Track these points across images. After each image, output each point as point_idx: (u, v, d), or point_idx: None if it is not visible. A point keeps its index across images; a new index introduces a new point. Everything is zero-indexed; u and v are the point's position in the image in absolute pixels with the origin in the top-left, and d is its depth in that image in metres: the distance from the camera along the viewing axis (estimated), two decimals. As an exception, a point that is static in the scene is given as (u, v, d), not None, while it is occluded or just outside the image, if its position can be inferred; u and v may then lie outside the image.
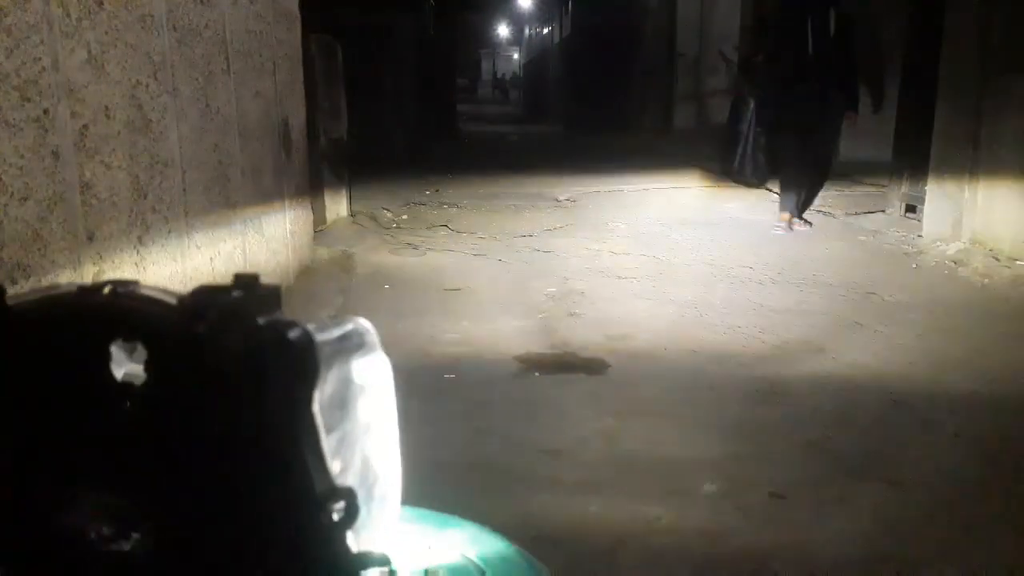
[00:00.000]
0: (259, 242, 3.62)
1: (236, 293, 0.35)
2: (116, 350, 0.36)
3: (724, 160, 6.36)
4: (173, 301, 0.36)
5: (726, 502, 2.10)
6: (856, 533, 1.96)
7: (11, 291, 0.39)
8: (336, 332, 0.35)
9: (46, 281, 1.89)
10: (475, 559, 0.65)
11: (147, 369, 0.35)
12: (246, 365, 0.33)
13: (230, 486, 0.34)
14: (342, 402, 0.34)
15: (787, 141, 5.73)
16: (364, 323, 0.35)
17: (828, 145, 5.93)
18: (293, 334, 0.34)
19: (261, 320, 0.34)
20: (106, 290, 0.37)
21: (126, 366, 0.37)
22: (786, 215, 5.70)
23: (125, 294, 0.36)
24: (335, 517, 0.33)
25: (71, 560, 0.35)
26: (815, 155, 5.70)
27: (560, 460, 2.32)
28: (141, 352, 0.36)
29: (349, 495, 0.34)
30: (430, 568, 0.60)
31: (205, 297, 0.35)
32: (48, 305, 0.38)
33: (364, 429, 0.35)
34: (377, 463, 0.35)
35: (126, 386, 0.36)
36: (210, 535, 0.34)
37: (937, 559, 1.86)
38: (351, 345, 0.35)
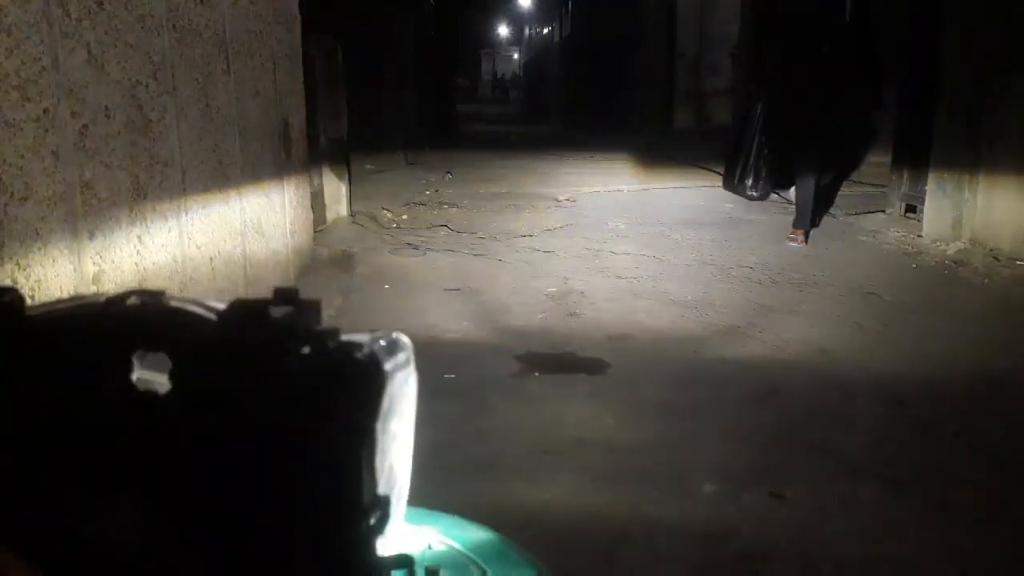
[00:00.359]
0: (259, 242, 3.62)
1: (280, 308, 0.34)
2: (142, 360, 0.36)
3: (726, 173, 6.25)
4: (211, 314, 0.35)
5: (726, 502, 2.10)
6: (855, 532, 1.96)
7: (19, 294, 0.39)
8: (384, 347, 0.35)
9: (46, 280, 1.89)
10: (475, 558, 0.65)
11: (172, 379, 0.35)
12: (315, 383, 0.33)
13: (278, 495, 0.34)
14: (384, 415, 0.35)
15: (801, 154, 5.48)
16: (404, 339, 0.35)
17: (837, 154, 5.81)
18: (362, 355, 0.34)
19: (332, 341, 0.34)
20: (131, 300, 0.36)
21: (148, 375, 0.37)
22: (801, 232, 5.37)
23: (153, 305, 0.36)
24: (372, 523, 0.34)
25: (107, 566, 0.35)
26: (826, 164, 5.57)
27: (560, 460, 2.32)
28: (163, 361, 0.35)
29: (385, 503, 0.35)
30: (430, 567, 0.60)
31: (246, 311, 0.35)
32: (71, 314, 0.38)
33: (392, 438, 0.35)
34: (399, 469, 0.36)
35: (150, 395, 0.36)
36: (249, 544, 0.34)
37: (936, 559, 1.86)
38: (398, 362, 0.35)
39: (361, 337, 0.35)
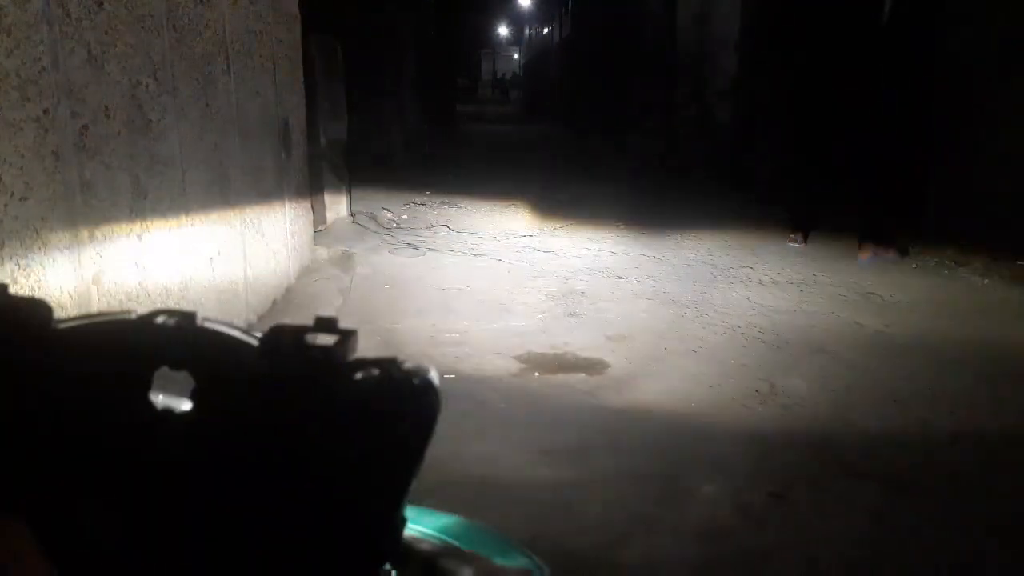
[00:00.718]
0: (259, 242, 3.62)
1: (317, 335, 0.35)
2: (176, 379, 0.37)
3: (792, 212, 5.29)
4: (252, 340, 0.36)
5: (726, 502, 2.10)
6: (854, 533, 1.96)
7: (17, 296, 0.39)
8: (430, 380, 0.37)
9: (46, 280, 1.89)
10: (461, 546, 0.65)
11: (194, 399, 0.36)
12: (374, 408, 0.34)
13: (316, 510, 0.35)
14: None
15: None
16: (433, 371, 0.37)
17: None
18: (418, 382, 0.35)
19: (396, 370, 0.35)
20: (160, 319, 0.37)
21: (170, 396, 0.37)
22: (800, 232, 5.13)
23: (184, 325, 0.36)
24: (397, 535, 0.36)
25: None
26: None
27: (561, 460, 2.32)
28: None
29: (403, 524, 0.36)
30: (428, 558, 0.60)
31: (291, 337, 0.35)
32: (97, 329, 0.38)
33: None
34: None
35: (168, 413, 0.37)
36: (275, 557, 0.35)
37: (936, 558, 1.86)
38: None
39: (409, 367, 0.36)
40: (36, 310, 0.38)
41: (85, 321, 0.38)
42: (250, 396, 0.35)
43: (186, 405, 0.36)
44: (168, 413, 0.36)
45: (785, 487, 2.16)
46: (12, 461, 0.38)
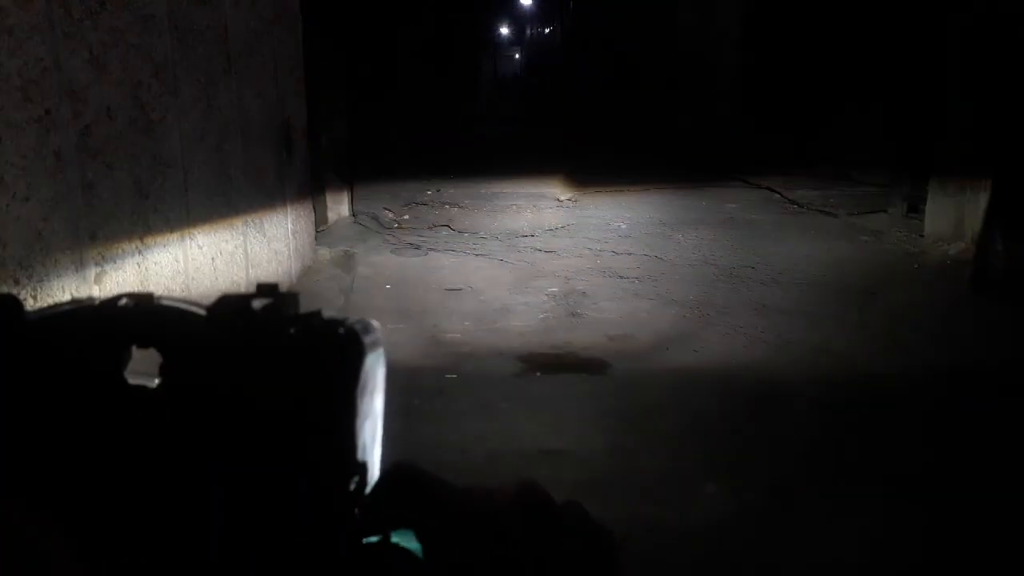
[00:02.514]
0: (261, 242, 3.62)
1: (261, 300, 0.39)
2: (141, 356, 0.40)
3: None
4: (200, 311, 0.39)
5: (726, 501, 2.09)
6: (856, 528, 1.96)
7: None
8: (360, 326, 0.40)
9: (48, 281, 1.89)
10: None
11: (162, 373, 0.39)
12: (302, 356, 0.38)
13: (274, 461, 0.38)
14: (361, 388, 0.40)
15: None
16: (374, 323, 0.40)
17: None
18: (343, 330, 0.39)
19: (314, 321, 0.39)
20: (122, 302, 0.40)
21: (140, 372, 0.41)
22: None
23: (143, 305, 0.40)
24: (351, 487, 0.39)
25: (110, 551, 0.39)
26: None
27: (561, 460, 2.32)
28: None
29: (363, 469, 0.39)
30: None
31: (231, 304, 0.39)
32: (65, 316, 0.41)
33: (366, 414, 0.39)
34: (371, 444, 0.41)
35: (140, 388, 0.39)
36: (249, 510, 0.38)
37: (935, 556, 1.86)
38: (371, 340, 0.40)
39: (336, 318, 0.40)
40: (5, 304, 0.40)
41: (54, 310, 0.42)
42: (205, 360, 0.39)
43: (154, 380, 0.40)
44: (141, 388, 0.40)
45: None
46: (23, 456, 0.40)
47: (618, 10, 17.17)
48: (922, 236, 5.36)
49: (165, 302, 0.40)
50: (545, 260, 4.89)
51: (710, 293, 4.10)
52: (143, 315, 0.40)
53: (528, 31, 40.97)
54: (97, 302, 0.40)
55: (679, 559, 1.86)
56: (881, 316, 3.74)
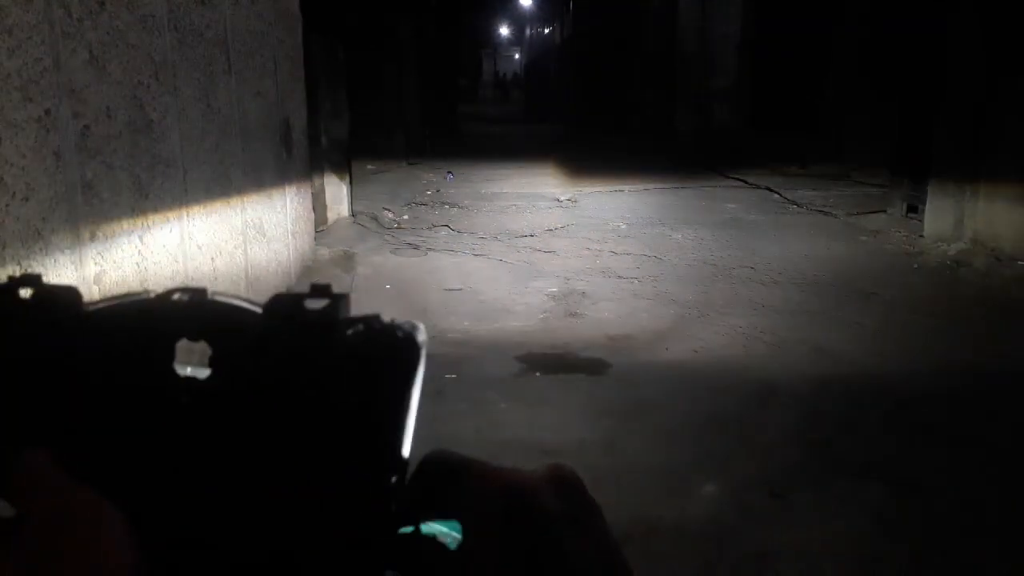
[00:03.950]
0: (260, 242, 3.62)
1: (316, 299, 0.40)
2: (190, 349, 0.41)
3: None
4: (255, 308, 0.40)
5: (726, 501, 2.10)
6: (853, 530, 1.96)
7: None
8: (414, 327, 0.41)
9: (48, 280, 1.89)
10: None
11: (215, 366, 0.40)
12: (362, 358, 0.39)
13: (326, 450, 0.39)
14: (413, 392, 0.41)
15: None
16: (421, 326, 0.42)
17: None
18: (400, 334, 0.40)
19: (373, 323, 0.40)
20: (176, 296, 0.41)
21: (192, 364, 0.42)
22: None
23: (197, 299, 0.41)
24: (396, 480, 0.40)
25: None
26: None
27: (561, 460, 2.32)
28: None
29: (405, 465, 0.40)
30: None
31: (287, 302, 0.39)
32: (120, 309, 0.43)
33: (412, 414, 0.41)
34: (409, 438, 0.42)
35: (191, 381, 0.40)
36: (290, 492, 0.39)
37: (939, 563, 1.86)
38: (423, 340, 0.40)
39: (394, 322, 0.41)
40: (67, 295, 0.42)
41: (111, 302, 0.43)
42: (258, 357, 0.40)
43: (205, 373, 0.40)
44: (191, 380, 0.40)
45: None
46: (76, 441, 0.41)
47: (618, 10, 17.19)
48: (921, 236, 5.36)
49: (219, 298, 0.40)
50: (545, 260, 4.89)
51: (709, 293, 4.10)
52: (197, 310, 0.40)
53: (528, 31, 40.99)
54: (152, 295, 0.41)
55: (679, 559, 1.86)
56: (880, 316, 3.74)
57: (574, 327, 3.57)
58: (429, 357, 0.39)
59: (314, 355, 0.39)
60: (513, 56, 51.98)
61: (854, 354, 3.23)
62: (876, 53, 7.75)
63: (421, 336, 0.40)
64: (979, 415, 2.65)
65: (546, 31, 33.59)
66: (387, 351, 0.39)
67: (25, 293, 0.42)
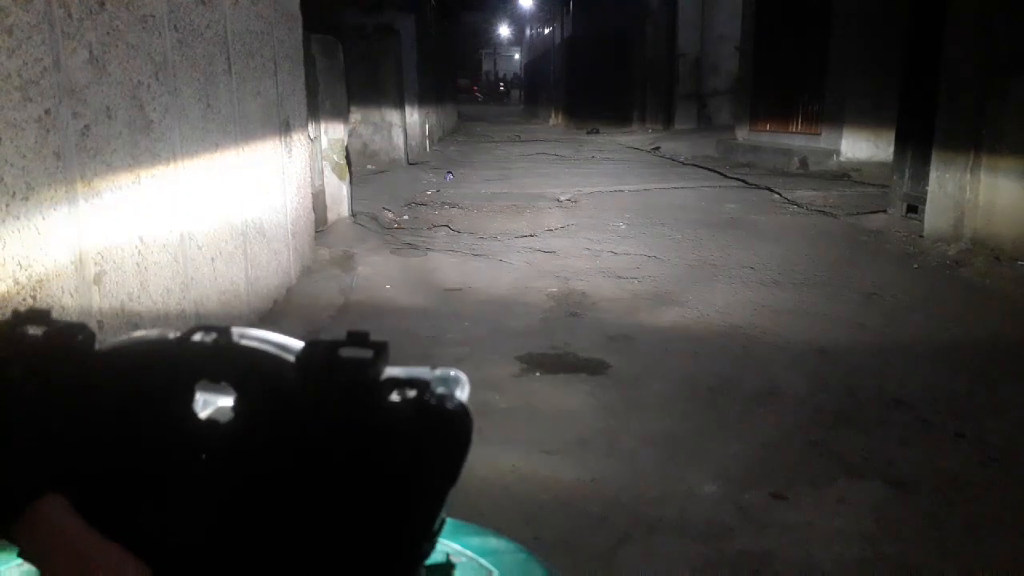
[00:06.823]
0: (260, 242, 3.62)
1: (352, 349, 0.36)
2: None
3: None
4: (285, 355, 0.37)
5: (727, 501, 2.10)
6: (854, 533, 1.96)
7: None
8: (457, 383, 0.38)
9: (47, 280, 1.89)
10: (484, 562, 0.65)
11: (235, 410, 0.37)
12: (412, 430, 0.35)
13: (364, 516, 0.36)
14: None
15: None
16: (463, 377, 0.38)
17: None
18: (453, 405, 0.36)
19: (420, 389, 0.36)
20: (198, 336, 0.38)
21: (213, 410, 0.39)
22: None
23: (226, 345, 0.38)
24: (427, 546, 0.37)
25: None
26: None
27: (561, 460, 2.32)
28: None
29: (438, 533, 0.37)
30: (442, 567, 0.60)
31: (324, 353, 0.36)
32: (136, 351, 0.40)
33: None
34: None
35: (211, 424, 0.38)
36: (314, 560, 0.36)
37: (935, 555, 1.86)
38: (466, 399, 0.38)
39: (427, 373, 0.37)
40: (78, 333, 0.39)
41: (127, 342, 0.41)
42: (287, 411, 0.36)
43: (227, 415, 0.38)
44: (211, 424, 0.38)
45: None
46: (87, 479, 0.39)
47: (618, 10, 17.19)
48: (922, 236, 5.36)
49: (244, 341, 0.38)
50: (544, 260, 4.89)
51: (710, 293, 4.10)
52: (218, 354, 0.38)
53: (528, 31, 40.98)
54: (171, 336, 0.39)
55: (678, 559, 1.85)
56: (881, 317, 3.74)
57: (574, 327, 3.58)
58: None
59: (356, 422, 0.35)
60: (513, 56, 51.97)
61: (855, 355, 3.23)
62: (876, 51, 7.75)
63: (464, 391, 0.36)
64: (980, 415, 2.65)
65: (546, 31, 33.57)
66: (437, 432, 0.36)
67: (36, 331, 0.39)
